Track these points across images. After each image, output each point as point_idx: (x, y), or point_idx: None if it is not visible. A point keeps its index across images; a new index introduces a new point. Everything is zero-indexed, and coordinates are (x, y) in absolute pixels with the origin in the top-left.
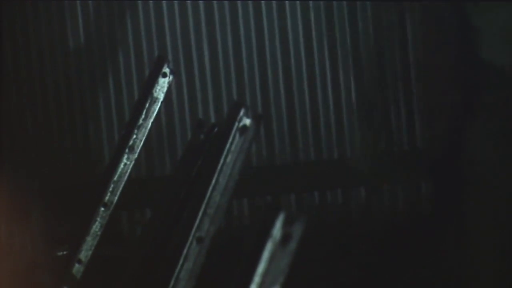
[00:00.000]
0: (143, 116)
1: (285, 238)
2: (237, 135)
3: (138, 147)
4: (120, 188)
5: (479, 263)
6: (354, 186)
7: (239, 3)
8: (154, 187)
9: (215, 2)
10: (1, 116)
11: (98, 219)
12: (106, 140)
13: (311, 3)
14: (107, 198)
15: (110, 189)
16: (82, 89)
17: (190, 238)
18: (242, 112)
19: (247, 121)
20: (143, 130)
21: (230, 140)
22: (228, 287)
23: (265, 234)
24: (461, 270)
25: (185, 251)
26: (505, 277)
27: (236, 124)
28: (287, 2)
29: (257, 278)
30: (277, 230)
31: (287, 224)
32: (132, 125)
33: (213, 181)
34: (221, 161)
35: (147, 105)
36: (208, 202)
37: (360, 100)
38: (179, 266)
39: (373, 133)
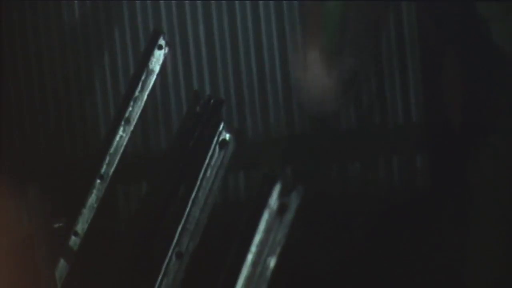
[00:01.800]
0: (139, 88)
1: (282, 208)
2: (217, 149)
3: (134, 119)
4: (116, 161)
5: (479, 237)
6: (350, 160)
7: None
8: (150, 160)
9: None
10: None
11: (95, 191)
12: (102, 113)
13: None
14: (103, 170)
15: (106, 161)
16: (78, 62)
17: (170, 253)
18: (221, 127)
19: (226, 136)
20: (139, 102)
21: (209, 154)
22: (225, 258)
23: (262, 204)
24: (459, 244)
25: (164, 266)
26: (505, 252)
27: (216, 138)
28: None
29: (254, 248)
30: (273, 200)
31: (283, 194)
32: (128, 97)
33: (192, 196)
34: (201, 175)
35: (143, 77)
36: (188, 217)
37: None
38: (158, 282)
39: (368, 106)
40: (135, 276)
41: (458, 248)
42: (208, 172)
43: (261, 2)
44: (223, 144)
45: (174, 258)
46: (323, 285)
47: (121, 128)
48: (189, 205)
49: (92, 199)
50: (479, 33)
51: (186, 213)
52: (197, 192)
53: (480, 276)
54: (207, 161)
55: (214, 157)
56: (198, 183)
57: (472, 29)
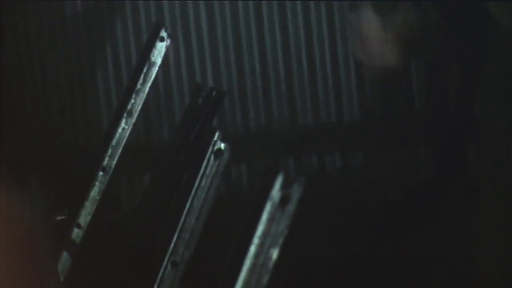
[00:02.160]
0: (141, 81)
1: (284, 200)
2: (212, 158)
3: (136, 112)
4: (119, 153)
5: (481, 227)
6: (353, 151)
7: None
8: (153, 152)
9: None
10: (0, 83)
11: (97, 183)
12: (104, 105)
13: None
14: (105, 162)
15: (109, 153)
16: (80, 55)
17: (165, 262)
18: (216, 136)
19: (221, 145)
20: (141, 94)
21: (204, 163)
22: (227, 250)
23: (264, 196)
24: (461, 235)
25: (159, 275)
26: (508, 242)
27: (211, 148)
28: None
29: (256, 240)
30: (276, 192)
31: (285, 186)
32: (130, 89)
33: (188, 205)
34: (196, 185)
35: (145, 70)
36: (183, 226)
37: (357, 65)
38: None
39: (371, 98)
40: (130, 286)
41: (462, 239)
42: (203, 181)
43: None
44: (218, 153)
45: (169, 267)
46: (326, 276)
47: (123, 121)
48: (184, 214)
49: (95, 192)
50: (477, 9)
51: (181, 222)
52: (192, 201)
53: (484, 267)
54: (202, 170)
55: (209, 167)
56: (193, 192)
57: (470, 6)
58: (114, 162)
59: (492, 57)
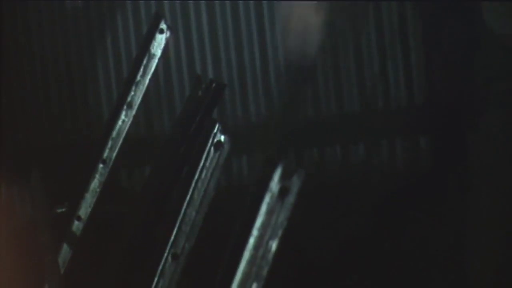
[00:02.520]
0: (140, 73)
1: (283, 191)
2: (212, 151)
3: (136, 104)
4: (119, 145)
5: (480, 218)
6: (353, 142)
7: None
8: (153, 144)
9: None
10: (0, 75)
11: (97, 176)
12: (105, 97)
13: None
14: (105, 154)
15: (109, 146)
16: (80, 47)
17: (165, 254)
18: (216, 128)
19: (221, 137)
20: (141, 86)
21: (204, 156)
22: (227, 242)
23: (263, 187)
24: (461, 226)
25: (160, 267)
26: (506, 234)
27: (211, 140)
28: None
29: (255, 232)
30: (275, 183)
31: (285, 177)
32: (130, 81)
33: (188, 197)
34: (196, 177)
35: (144, 62)
36: (183, 218)
37: (357, 55)
38: (154, 284)
39: (371, 89)
40: (131, 278)
41: (461, 230)
42: (203, 173)
43: None
44: (218, 145)
45: (170, 259)
46: (324, 268)
47: (123, 113)
48: (184, 206)
49: (95, 184)
50: (470, 14)
51: (181, 214)
52: (192, 194)
53: (482, 258)
54: (202, 162)
55: (209, 159)
56: (193, 184)
57: (463, 10)
58: (114, 154)
59: (486, 60)
